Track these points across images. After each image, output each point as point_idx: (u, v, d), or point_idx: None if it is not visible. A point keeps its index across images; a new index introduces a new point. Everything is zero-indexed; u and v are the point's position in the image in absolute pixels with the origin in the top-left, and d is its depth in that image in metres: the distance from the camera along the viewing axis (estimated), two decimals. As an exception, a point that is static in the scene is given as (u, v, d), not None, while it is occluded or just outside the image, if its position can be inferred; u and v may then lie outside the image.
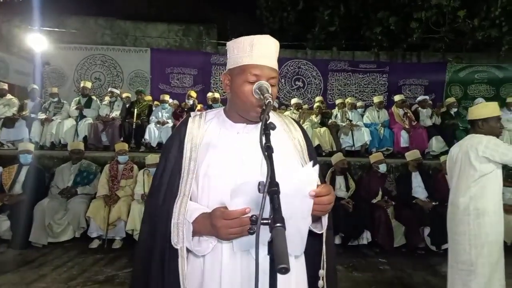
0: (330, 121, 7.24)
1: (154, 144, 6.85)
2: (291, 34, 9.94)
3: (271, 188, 0.87)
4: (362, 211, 4.83)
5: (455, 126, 6.92)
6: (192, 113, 1.38)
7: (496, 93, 9.41)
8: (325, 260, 1.25)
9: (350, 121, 7.14)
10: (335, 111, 7.54)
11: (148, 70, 9.49)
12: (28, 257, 4.25)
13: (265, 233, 0.86)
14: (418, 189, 5.11)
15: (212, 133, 1.30)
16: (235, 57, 1.25)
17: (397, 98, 7.35)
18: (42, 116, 6.89)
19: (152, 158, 5.04)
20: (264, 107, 1.08)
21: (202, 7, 10.26)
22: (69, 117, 7.05)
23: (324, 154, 6.60)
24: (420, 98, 7.81)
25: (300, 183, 1.04)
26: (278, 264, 0.73)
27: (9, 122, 6.70)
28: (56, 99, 7.18)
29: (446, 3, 8.04)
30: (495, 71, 9.58)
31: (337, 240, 4.76)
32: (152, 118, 7.15)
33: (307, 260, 1.28)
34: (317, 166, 1.05)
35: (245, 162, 1.22)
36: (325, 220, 1.23)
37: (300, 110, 7.41)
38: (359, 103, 7.80)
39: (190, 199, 1.22)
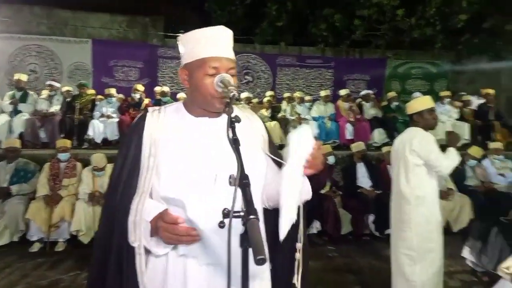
0: (279, 115, 7.37)
1: (98, 140, 6.54)
2: (240, 28, 9.94)
3: (242, 181, 0.87)
4: (311, 202, 4.94)
5: (395, 119, 7.35)
6: (149, 108, 1.35)
7: (431, 88, 10.10)
8: (301, 232, 1.25)
9: (299, 114, 7.32)
10: (283, 105, 7.69)
11: (90, 62, 8.98)
12: (-41, 266, 3.91)
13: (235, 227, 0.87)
14: (363, 179, 5.38)
15: (172, 128, 1.27)
16: (191, 50, 1.23)
17: (342, 92, 7.65)
18: (-30, 111, 6.30)
19: (98, 160, 4.82)
20: (228, 100, 1.07)
21: (148, -2, 9.92)
22: (2, 112, 6.51)
23: (274, 147, 6.71)
24: (363, 92, 8.20)
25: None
26: (256, 255, 0.74)
27: None
28: (-14, 93, 6.59)
29: (386, 2, 8.47)
30: (429, 67, 10.26)
31: (288, 231, 4.88)
32: (96, 113, 6.82)
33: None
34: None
35: (209, 156, 1.21)
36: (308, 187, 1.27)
37: (250, 104, 7.46)
38: (307, 97, 8.02)
39: (151, 197, 1.20)
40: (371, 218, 5.04)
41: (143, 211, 1.15)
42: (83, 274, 3.70)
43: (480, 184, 5.43)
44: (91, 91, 7.48)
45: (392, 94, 8.01)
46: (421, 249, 2.77)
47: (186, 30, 1.27)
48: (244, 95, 7.70)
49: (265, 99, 7.67)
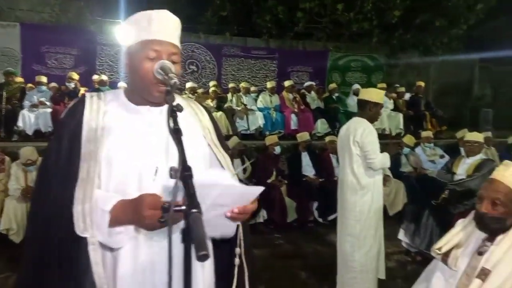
0: (225, 105, 7.33)
1: (30, 132, 6.06)
2: (184, 17, 9.66)
3: (184, 173, 0.83)
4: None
5: (337, 110, 7.64)
6: (87, 94, 1.25)
7: (368, 80, 10.60)
8: (242, 238, 1.24)
9: (245, 105, 7.34)
10: (229, 95, 7.66)
11: (18, 48, 8.22)
12: None
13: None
14: (307, 168, 5.55)
15: (112, 116, 1.19)
16: (132, 34, 1.16)
17: (287, 83, 7.79)
18: None
19: (29, 153, 4.45)
20: (169, 88, 1.01)
21: (83, -19, 9.26)
22: None
23: (220, 138, 6.67)
24: (307, 83, 8.40)
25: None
26: (198, 251, 0.71)
27: None
28: None
29: (327, -4, 8.72)
30: (367, 60, 10.75)
31: (236, 221, 4.91)
32: (26, 102, 6.29)
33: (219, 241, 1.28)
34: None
35: (150, 146, 1.15)
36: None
37: (195, 94, 7.33)
38: (252, 88, 8.05)
39: None
40: (315, 205, 5.23)
41: (93, 199, 1.06)
42: (14, 276, 3.42)
43: (413, 170, 5.85)
44: (20, 79, 6.87)
45: (333, 85, 8.31)
46: (362, 235, 2.93)
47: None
48: (189, 85, 7.55)
49: (210, 90, 7.58)
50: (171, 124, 0.91)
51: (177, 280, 0.85)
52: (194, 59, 9.82)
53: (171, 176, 0.84)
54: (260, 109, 7.41)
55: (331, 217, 4.95)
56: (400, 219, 4.19)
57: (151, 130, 1.17)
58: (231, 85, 7.96)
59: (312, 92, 8.10)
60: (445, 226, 3.67)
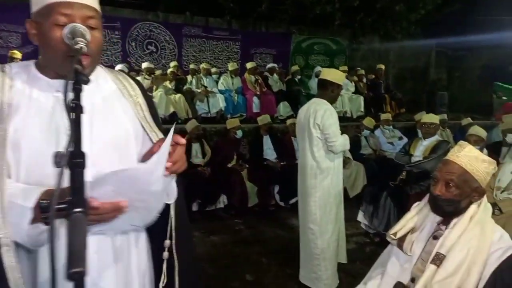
0: (185, 87, 7.06)
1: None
2: (141, -7, 9.17)
3: (73, 160, 0.66)
4: (218, 176, 4.91)
5: (299, 92, 7.59)
6: None
7: (331, 63, 10.62)
8: (173, 229, 1.13)
9: (205, 87, 7.11)
10: (189, 77, 7.39)
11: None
12: None
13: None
14: (269, 151, 5.46)
15: (20, 93, 1.00)
16: None
17: (249, 65, 7.61)
18: None
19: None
20: (73, 55, 0.84)
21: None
22: None
23: (180, 121, 6.44)
24: (269, 65, 8.27)
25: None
26: (70, 267, 0.54)
27: None
28: None
29: (290, -23, 8.54)
30: (330, 43, 10.75)
31: (194, 207, 4.76)
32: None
33: (155, 232, 1.15)
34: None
35: (64, 127, 0.97)
36: (174, 189, 1.10)
37: (152, 76, 7.00)
38: (213, 70, 7.82)
39: None
40: (276, 189, 5.17)
41: (6, 192, 0.89)
42: None
43: (373, 152, 5.92)
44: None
45: (295, 68, 8.24)
46: (324, 221, 2.88)
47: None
48: (145, 65, 7.22)
49: (168, 70, 7.26)
50: (69, 99, 0.74)
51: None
52: (153, 39, 9.37)
53: (56, 164, 0.66)
54: (221, 92, 7.20)
55: (292, 201, 4.92)
56: (359, 202, 4.21)
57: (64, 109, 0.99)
58: (191, 66, 7.67)
59: (275, 75, 7.98)
60: (403, 207, 3.74)
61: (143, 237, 1.15)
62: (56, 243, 0.59)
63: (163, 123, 5.35)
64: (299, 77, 8.07)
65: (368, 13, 9.36)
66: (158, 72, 7.40)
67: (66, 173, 0.66)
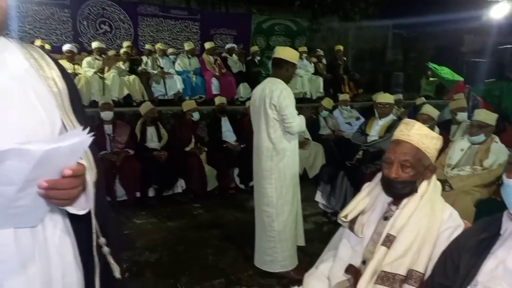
0: (140, 68, 6.75)
1: None
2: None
3: None
4: (175, 160, 4.76)
5: (259, 74, 7.48)
6: None
7: (292, 44, 10.53)
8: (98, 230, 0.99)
9: (162, 68, 6.83)
10: (144, 58, 7.07)
11: None
12: None
13: None
14: (228, 133, 5.36)
15: None
16: None
17: (207, 45, 7.39)
18: None
19: None
20: None
21: None
22: None
23: (135, 104, 6.17)
24: (228, 45, 8.08)
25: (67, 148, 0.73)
26: None
27: None
28: None
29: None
30: (290, 24, 10.67)
31: (151, 193, 4.61)
32: None
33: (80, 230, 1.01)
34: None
35: None
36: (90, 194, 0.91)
37: (104, 56, 6.62)
38: (170, 50, 7.52)
39: None
40: (236, 171, 5.10)
41: None
42: None
43: (331, 132, 5.97)
44: None
45: (255, 48, 8.11)
46: (280, 203, 2.83)
47: None
48: (95, 44, 6.80)
49: (121, 51, 6.90)
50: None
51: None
52: (106, 18, 8.85)
53: None
54: (178, 73, 6.95)
55: (252, 183, 4.85)
56: (317, 182, 4.23)
57: None
58: (146, 46, 7.33)
59: (234, 55, 7.81)
60: (358, 186, 3.79)
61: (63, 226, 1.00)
62: None
63: (117, 106, 5.11)
64: (259, 58, 7.94)
65: (328, -6, 9.35)
66: (111, 52, 7.02)
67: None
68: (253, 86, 7.18)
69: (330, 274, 1.55)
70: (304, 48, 8.40)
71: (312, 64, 8.14)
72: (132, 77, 6.34)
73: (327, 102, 6.12)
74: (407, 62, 11.66)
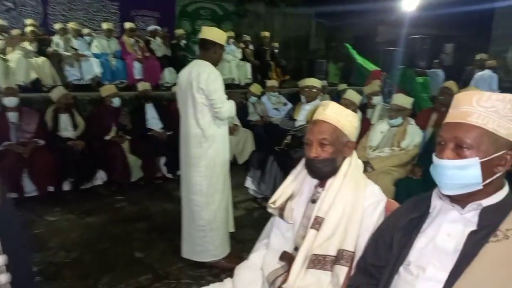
0: (49, 49, 6.07)
1: None
2: None
3: None
4: (94, 150, 4.38)
5: (185, 58, 7.20)
6: None
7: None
8: None
9: (76, 50, 6.23)
10: (56, 38, 6.37)
11: None
12: None
13: None
14: (153, 121, 5.08)
15: None
16: None
17: (127, 25, 6.90)
18: None
19: None
20: None
21: None
22: None
23: (45, 89, 5.55)
24: (150, 27, 7.65)
25: None
26: None
27: None
28: None
29: None
30: (216, 9, 10.44)
31: (67, 186, 4.20)
32: None
33: None
34: None
35: None
36: None
37: (5, 35, 5.83)
38: (86, 30, 6.90)
39: None
40: (162, 160, 4.86)
41: None
42: None
43: (260, 118, 5.98)
44: None
45: (180, 31, 7.79)
46: (210, 192, 2.71)
47: None
48: (-6, 22, 5.96)
49: (27, 30, 6.13)
50: None
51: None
52: (9, -7, 7.82)
53: None
54: (96, 56, 6.40)
55: (180, 172, 4.68)
56: (247, 168, 4.19)
57: None
58: (58, 26, 6.60)
59: (158, 38, 7.40)
60: (288, 170, 3.83)
61: None
62: None
63: (24, 91, 4.55)
64: (185, 41, 7.64)
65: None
66: (16, 31, 6.19)
67: None
68: (179, 70, 6.85)
69: (264, 264, 1.49)
70: (231, 33, 8.27)
71: (240, 50, 8.06)
72: (41, 59, 5.69)
73: (255, 88, 6.10)
74: (329, 50, 12.15)
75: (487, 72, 7.31)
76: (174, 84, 6.29)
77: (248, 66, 7.77)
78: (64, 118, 4.44)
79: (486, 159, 0.96)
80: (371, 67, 8.79)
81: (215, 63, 2.72)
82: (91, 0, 8.74)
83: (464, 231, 1.01)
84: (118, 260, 2.93)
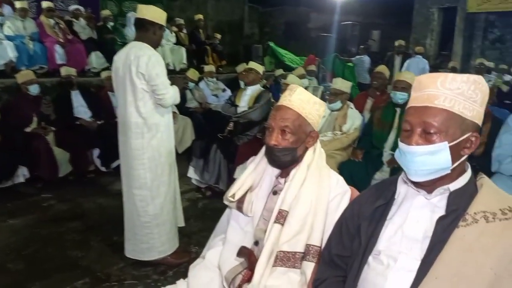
0: (-51, 29, 5.25)
1: None
2: None
3: None
4: (13, 144, 3.89)
5: (113, 41, 6.71)
6: None
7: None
8: None
9: (-17, 31, 5.46)
10: (-44, 16, 5.52)
11: None
12: None
13: None
14: (81, 109, 4.65)
15: None
16: None
17: (44, 5, 6.18)
18: None
19: None
20: None
21: None
22: None
23: None
24: (72, 7, 6.98)
25: None
26: None
27: None
28: None
29: None
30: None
31: (-19, 186, 3.70)
32: None
33: None
34: None
35: None
36: None
37: None
38: (-6, 9, 6.07)
39: None
40: (95, 153, 4.49)
41: None
42: None
43: (199, 105, 5.78)
44: None
45: (106, 12, 7.21)
46: (155, 185, 2.51)
47: None
48: None
49: None
50: None
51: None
52: None
53: None
54: (9, 38, 5.66)
55: (115, 164, 4.37)
56: (189, 157, 4.02)
57: None
58: (-43, 3, 5.73)
59: (81, 20, 6.77)
60: (232, 157, 3.75)
61: None
62: None
63: None
64: (112, 24, 7.09)
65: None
66: None
67: None
68: (107, 55, 6.41)
69: (221, 261, 1.39)
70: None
71: (173, 34, 7.71)
72: None
73: (192, 74, 5.87)
74: (262, 35, 12.16)
75: (418, 57, 7.81)
76: (103, 70, 5.84)
77: (183, 51, 7.47)
78: (-26, 109, 3.88)
79: (454, 142, 0.95)
80: (297, 64, 9.00)
81: (155, 45, 2.50)
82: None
83: (432, 217, 0.99)
84: (50, 265, 2.63)
